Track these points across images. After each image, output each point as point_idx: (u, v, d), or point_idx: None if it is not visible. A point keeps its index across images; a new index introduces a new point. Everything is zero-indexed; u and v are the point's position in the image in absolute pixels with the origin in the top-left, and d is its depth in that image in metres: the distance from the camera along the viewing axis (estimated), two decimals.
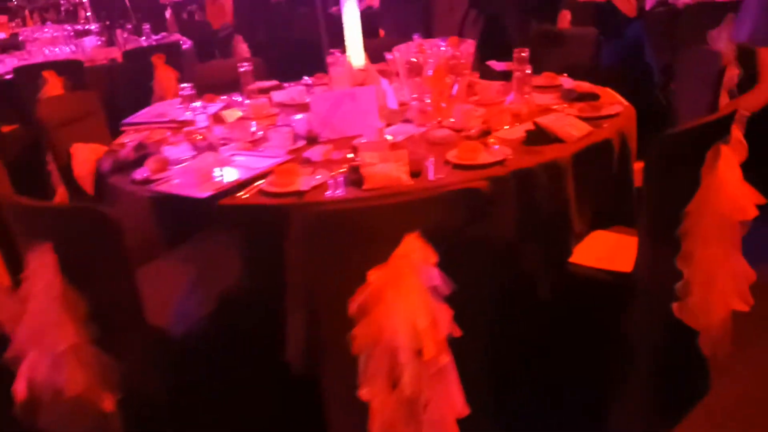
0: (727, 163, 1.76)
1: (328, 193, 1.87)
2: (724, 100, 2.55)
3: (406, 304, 1.36)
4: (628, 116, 2.36)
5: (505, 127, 2.36)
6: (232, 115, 2.85)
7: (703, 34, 3.91)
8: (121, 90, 4.80)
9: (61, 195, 2.99)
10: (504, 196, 1.91)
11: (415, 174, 1.93)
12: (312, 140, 2.42)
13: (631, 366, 2.00)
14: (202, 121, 2.51)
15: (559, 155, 2.01)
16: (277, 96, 3.11)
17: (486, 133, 2.30)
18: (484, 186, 1.44)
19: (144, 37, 5.81)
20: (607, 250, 2.14)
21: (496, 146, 2.09)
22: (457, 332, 1.44)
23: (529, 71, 2.76)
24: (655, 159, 1.74)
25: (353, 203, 1.42)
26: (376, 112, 2.46)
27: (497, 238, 1.93)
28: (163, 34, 6.22)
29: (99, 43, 5.83)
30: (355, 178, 1.91)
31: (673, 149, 1.73)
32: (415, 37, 2.89)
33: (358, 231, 1.39)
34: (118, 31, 5.88)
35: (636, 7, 4.19)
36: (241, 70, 3.12)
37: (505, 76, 2.97)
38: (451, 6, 4.53)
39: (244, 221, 1.86)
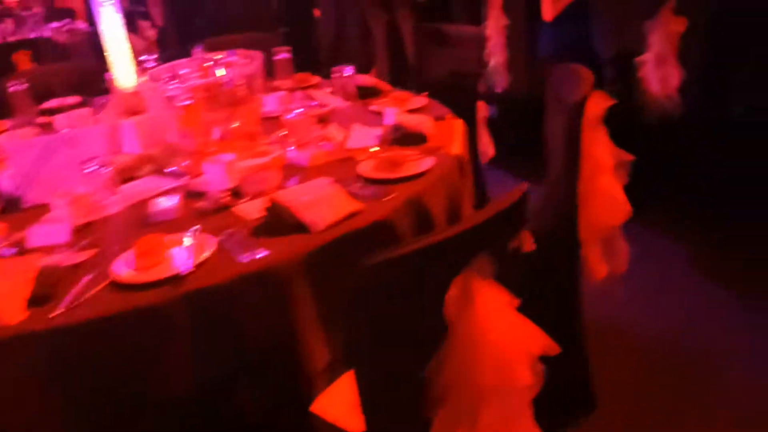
0: (488, 298, 1.07)
1: None
2: (600, 149, 1.73)
3: None
4: (441, 175, 1.65)
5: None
6: None
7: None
8: None
9: None
10: (173, 332, 1.24)
11: (42, 299, 1.26)
12: (12, 205, 1.76)
13: None
14: None
15: (287, 256, 1.33)
16: (62, 122, 2.42)
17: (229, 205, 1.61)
18: None
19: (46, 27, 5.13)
20: None
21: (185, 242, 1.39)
22: None
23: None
24: (355, 302, 1.05)
25: None
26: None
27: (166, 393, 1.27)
28: (67, 20, 5.53)
29: None
30: None
31: (387, 284, 1.04)
32: (195, 51, 2.16)
33: None
34: (8, 20, 5.23)
35: (554, 15, 3.44)
36: (11, 89, 2.45)
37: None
38: None
39: None
